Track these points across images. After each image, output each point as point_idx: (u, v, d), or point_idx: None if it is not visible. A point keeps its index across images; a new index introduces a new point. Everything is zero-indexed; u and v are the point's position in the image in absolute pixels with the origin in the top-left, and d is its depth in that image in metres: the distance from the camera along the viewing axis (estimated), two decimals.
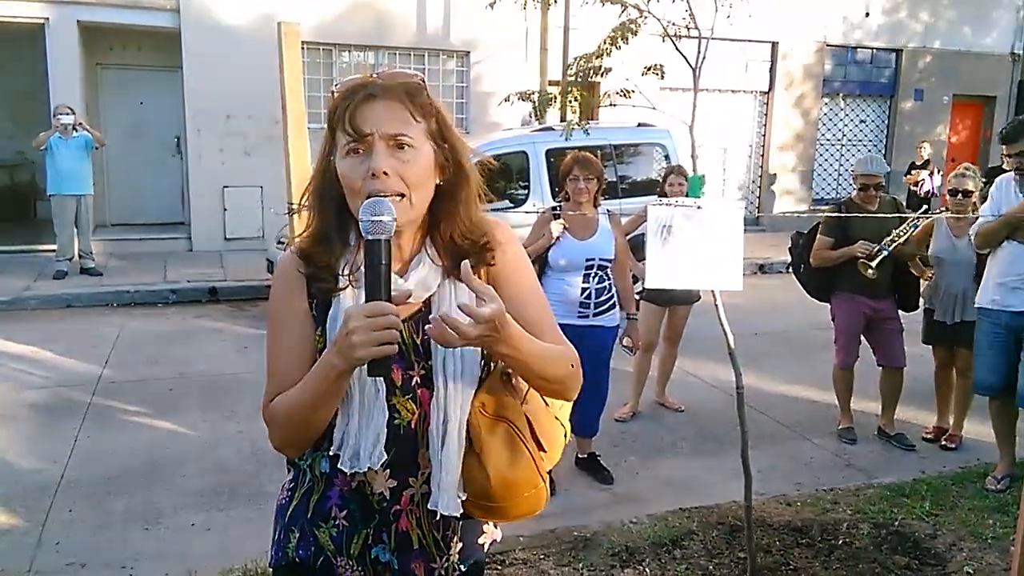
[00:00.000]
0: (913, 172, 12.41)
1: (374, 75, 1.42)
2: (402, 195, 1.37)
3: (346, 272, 1.43)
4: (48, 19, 10.25)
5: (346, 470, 1.42)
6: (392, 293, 1.30)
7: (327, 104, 1.47)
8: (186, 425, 5.18)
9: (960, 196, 4.84)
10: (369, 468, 1.41)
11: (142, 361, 6.50)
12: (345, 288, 1.43)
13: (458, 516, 1.47)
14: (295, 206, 2.13)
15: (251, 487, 4.33)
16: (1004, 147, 4.14)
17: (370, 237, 1.29)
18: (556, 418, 1.55)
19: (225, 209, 11.11)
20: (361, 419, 1.40)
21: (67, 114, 8.85)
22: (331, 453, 1.43)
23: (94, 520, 3.96)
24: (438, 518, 1.47)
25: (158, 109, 11.69)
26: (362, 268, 1.36)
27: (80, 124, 9.02)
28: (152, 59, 11.52)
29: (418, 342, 1.44)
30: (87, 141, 9.02)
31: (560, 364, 1.47)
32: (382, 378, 1.38)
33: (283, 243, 7.86)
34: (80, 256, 9.26)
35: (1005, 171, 11.29)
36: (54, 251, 9.21)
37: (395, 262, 1.40)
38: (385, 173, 1.35)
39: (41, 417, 5.28)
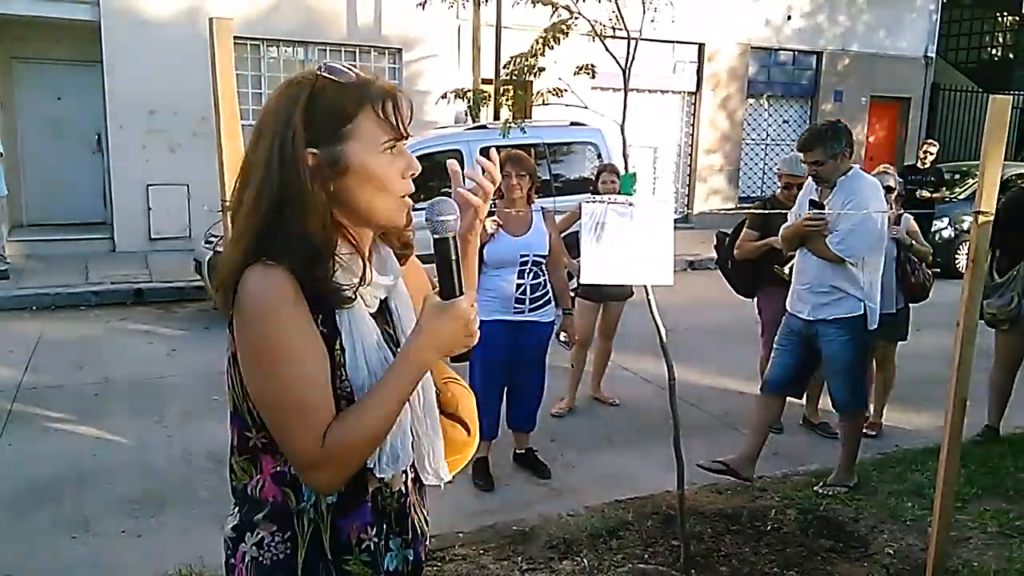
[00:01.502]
0: None
1: (354, 72, 1.36)
2: None
3: (354, 281, 1.35)
4: None
5: (387, 476, 1.39)
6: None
7: (274, 98, 1.35)
8: (113, 431, 5.03)
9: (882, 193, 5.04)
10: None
11: (65, 366, 6.28)
12: (355, 299, 1.35)
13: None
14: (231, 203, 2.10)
15: (182, 493, 4.24)
16: (802, 155, 4.11)
17: (443, 235, 1.35)
18: None
19: (150, 208, 10.80)
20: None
21: None
22: (368, 465, 1.36)
23: (19, 530, 3.82)
24: (425, 496, 1.54)
25: (78, 105, 11.26)
26: (377, 277, 1.40)
27: None
28: (71, 53, 11.09)
29: (390, 331, 1.45)
30: None
31: None
32: None
33: (211, 242, 7.69)
34: None
35: (919, 169, 11.62)
36: None
37: (357, 256, 1.43)
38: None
39: None
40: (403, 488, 1.47)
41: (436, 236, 1.35)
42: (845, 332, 4.04)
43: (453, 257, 1.35)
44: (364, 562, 1.40)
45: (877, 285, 4.11)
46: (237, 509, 1.42)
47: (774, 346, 4.43)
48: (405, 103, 1.37)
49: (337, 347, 1.33)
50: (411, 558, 1.49)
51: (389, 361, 1.37)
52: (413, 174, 1.37)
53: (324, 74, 1.33)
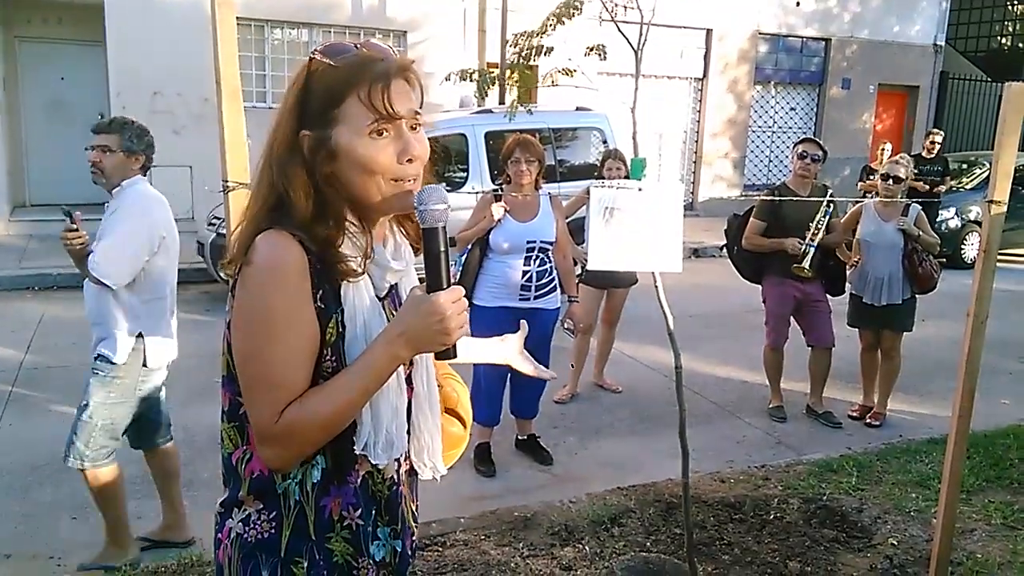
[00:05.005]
0: None
1: (357, 45, 1.34)
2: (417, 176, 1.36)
3: (359, 256, 1.33)
4: None
5: (381, 462, 1.37)
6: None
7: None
8: None
9: (891, 182, 5.00)
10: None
11: (67, 346, 6.27)
12: (363, 274, 1.34)
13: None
14: (231, 184, 2.07)
15: (183, 474, 4.21)
16: (94, 135, 3.58)
17: (430, 225, 1.29)
18: None
19: None
20: (388, 405, 1.37)
21: None
22: (358, 451, 1.35)
23: (19, 510, 3.82)
24: (416, 488, 1.55)
25: (80, 85, 11.22)
26: (377, 253, 1.36)
27: None
28: (74, 32, 11.04)
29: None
30: None
31: None
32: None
33: (214, 224, 7.66)
34: None
35: (925, 159, 11.57)
36: None
37: (364, 234, 1.40)
38: (418, 156, 1.34)
39: None
40: (395, 477, 1.45)
41: (424, 226, 1.30)
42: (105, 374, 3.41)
43: (441, 249, 1.29)
44: (345, 539, 1.38)
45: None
46: (227, 482, 1.41)
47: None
48: (411, 83, 1.34)
49: (331, 324, 1.30)
50: (399, 549, 1.47)
51: None
52: (411, 159, 1.32)
53: (318, 57, 1.31)
